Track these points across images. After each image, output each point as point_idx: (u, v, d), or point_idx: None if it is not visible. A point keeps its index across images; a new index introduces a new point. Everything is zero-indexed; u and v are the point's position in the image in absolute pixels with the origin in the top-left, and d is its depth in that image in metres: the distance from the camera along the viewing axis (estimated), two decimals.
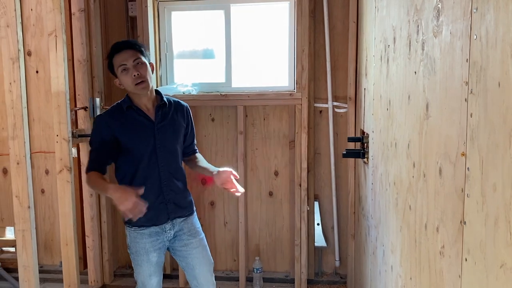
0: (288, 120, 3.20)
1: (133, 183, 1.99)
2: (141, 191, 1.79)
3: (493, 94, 0.75)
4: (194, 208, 2.21)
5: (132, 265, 2.12)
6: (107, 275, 3.28)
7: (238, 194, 2.08)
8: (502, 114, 0.71)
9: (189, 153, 2.25)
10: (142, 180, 1.99)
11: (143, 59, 1.98)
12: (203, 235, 2.19)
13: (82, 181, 3.15)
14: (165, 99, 2.09)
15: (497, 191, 0.73)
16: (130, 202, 1.73)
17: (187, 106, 2.19)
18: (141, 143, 2.01)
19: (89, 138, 3.04)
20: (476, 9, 0.83)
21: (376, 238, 2.00)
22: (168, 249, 2.16)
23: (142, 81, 1.95)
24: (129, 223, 2.04)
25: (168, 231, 2.09)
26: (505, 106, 0.70)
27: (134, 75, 1.93)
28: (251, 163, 3.24)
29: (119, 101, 2.08)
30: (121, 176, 2.07)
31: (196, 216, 2.22)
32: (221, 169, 2.10)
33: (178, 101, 2.17)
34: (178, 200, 2.10)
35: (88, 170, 2.00)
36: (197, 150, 2.30)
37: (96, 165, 2.00)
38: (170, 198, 2.07)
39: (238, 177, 2.11)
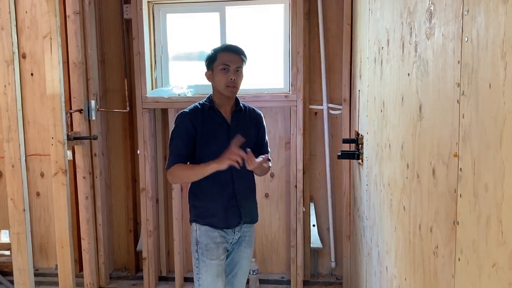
0: (283, 122, 3.21)
1: (208, 184, 2.04)
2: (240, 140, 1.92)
3: (484, 95, 0.76)
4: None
5: (196, 267, 2.08)
6: (103, 277, 3.28)
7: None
8: (493, 115, 0.72)
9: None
10: (216, 181, 2.04)
11: (243, 69, 2.11)
12: (253, 247, 2.25)
13: (78, 184, 3.15)
14: (241, 105, 2.16)
15: (489, 191, 0.74)
16: (232, 156, 1.88)
17: (260, 114, 2.25)
18: (216, 145, 2.05)
19: (84, 140, 3.06)
20: (467, 11, 0.84)
21: (371, 239, 2.01)
22: None
23: (234, 86, 2.06)
24: (200, 221, 2.08)
25: (236, 233, 2.12)
26: (496, 107, 0.71)
27: (231, 79, 2.04)
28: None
29: (200, 101, 2.14)
30: None
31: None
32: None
33: (253, 108, 2.24)
34: (250, 205, 2.16)
35: (170, 165, 2.04)
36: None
37: (181, 159, 2.04)
38: (242, 202, 2.11)
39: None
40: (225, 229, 2.08)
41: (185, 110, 2.12)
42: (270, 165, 2.23)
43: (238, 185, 2.10)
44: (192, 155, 2.08)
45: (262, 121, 2.25)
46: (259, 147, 2.23)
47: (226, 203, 2.08)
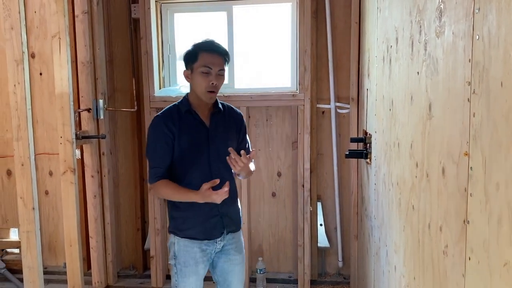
0: (290, 121, 3.21)
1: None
2: (217, 181, 1.78)
3: (496, 94, 0.76)
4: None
5: (175, 279, 1.97)
6: (111, 276, 3.30)
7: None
8: (505, 114, 0.72)
9: None
10: (195, 189, 1.86)
11: (225, 72, 1.95)
12: (244, 251, 2.11)
13: (86, 182, 3.17)
14: (220, 105, 2.00)
15: (500, 190, 0.74)
16: (218, 197, 1.76)
17: (241, 114, 2.10)
18: (196, 151, 1.92)
19: (92, 139, 3.08)
20: (478, 9, 0.83)
21: (379, 239, 2.00)
22: None
23: (214, 92, 1.90)
24: (179, 233, 1.95)
25: (219, 243, 1.98)
26: (507, 105, 0.71)
27: (212, 83, 1.88)
28: (254, 164, 3.24)
29: (175, 103, 1.98)
30: None
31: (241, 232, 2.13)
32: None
33: (232, 107, 2.09)
34: (232, 213, 2.01)
35: (154, 179, 1.90)
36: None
37: (163, 171, 1.90)
38: (224, 210, 1.96)
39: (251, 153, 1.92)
40: (206, 240, 1.94)
41: (159, 114, 1.96)
42: (254, 168, 2.07)
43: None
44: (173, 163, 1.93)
45: (243, 121, 2.10)
46: (241, 150, 2.06)
47: (207, 213, 1.92)
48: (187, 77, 1.95)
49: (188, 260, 1.93)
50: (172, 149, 1.90)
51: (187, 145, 1.91)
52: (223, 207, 1.94)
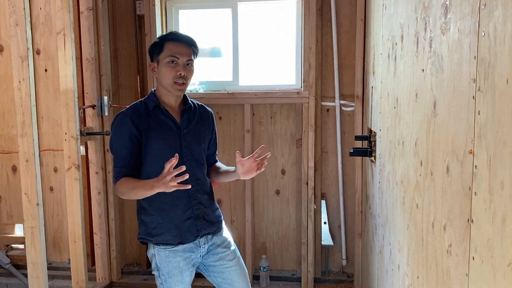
0: (295, 119, 3.20)
1: (158, 196, 1.74)
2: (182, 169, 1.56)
3: (501, 91, 0.75)
4: (223, 222, 2.03)
5: None
6: (115, 272, 3.31)
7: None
8: (510, 112, 0.71)
9: (211, 163, 2.05)
10: (168, 193, 1.72)
11: (194, 63, 1.86)
12: (235, 245, 2.01)
13: (90, 179, 3.18)
14: (190, 102, 1.92)
15: (505, 189, 0.73)
16: (169, 181, 1.55)
17: (211, 112, 2.02)
18: (167, 149, 1.78)
19: (96, 136, 3.08)
20: (484, 5, 0.82)
21: (383, 237, 1.99)
22: (197, 267, 1.95)
23: (183, 83, 1.80)
24: (151, 239, 1.85)
25: (203, 246, 1.89)
26: None
27: (180, 74, 1.78)
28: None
29: (142, 99, 1.89)
30: None
31: (226, 228, 2.04)
32: (238, 161, 1.85)
33: (202, 105, 2.00)
34: (208, 214, 1.90)
35: (115, 179, 1.77)
36: (218, 160, 2.09)
37: (125, 171, 1.76)
38: (199, 213, 1.86)
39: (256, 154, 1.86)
40: (180, 245, 1.83)
41: (124, 110, 1.83)
42: None
43: (193, 194, 1.85)
44: (140, 162, 1.80)
45: (214, 121, 2.03)
46: (213, 151, 2.05)
47: (180, 215, 1.83)
48: (153, 70, 1.85)
49: (172, 270, 1.84)
50: (139, 147, 1.79)
51: (156, 143, 1.79)
52: (198, 209, 1.86)
